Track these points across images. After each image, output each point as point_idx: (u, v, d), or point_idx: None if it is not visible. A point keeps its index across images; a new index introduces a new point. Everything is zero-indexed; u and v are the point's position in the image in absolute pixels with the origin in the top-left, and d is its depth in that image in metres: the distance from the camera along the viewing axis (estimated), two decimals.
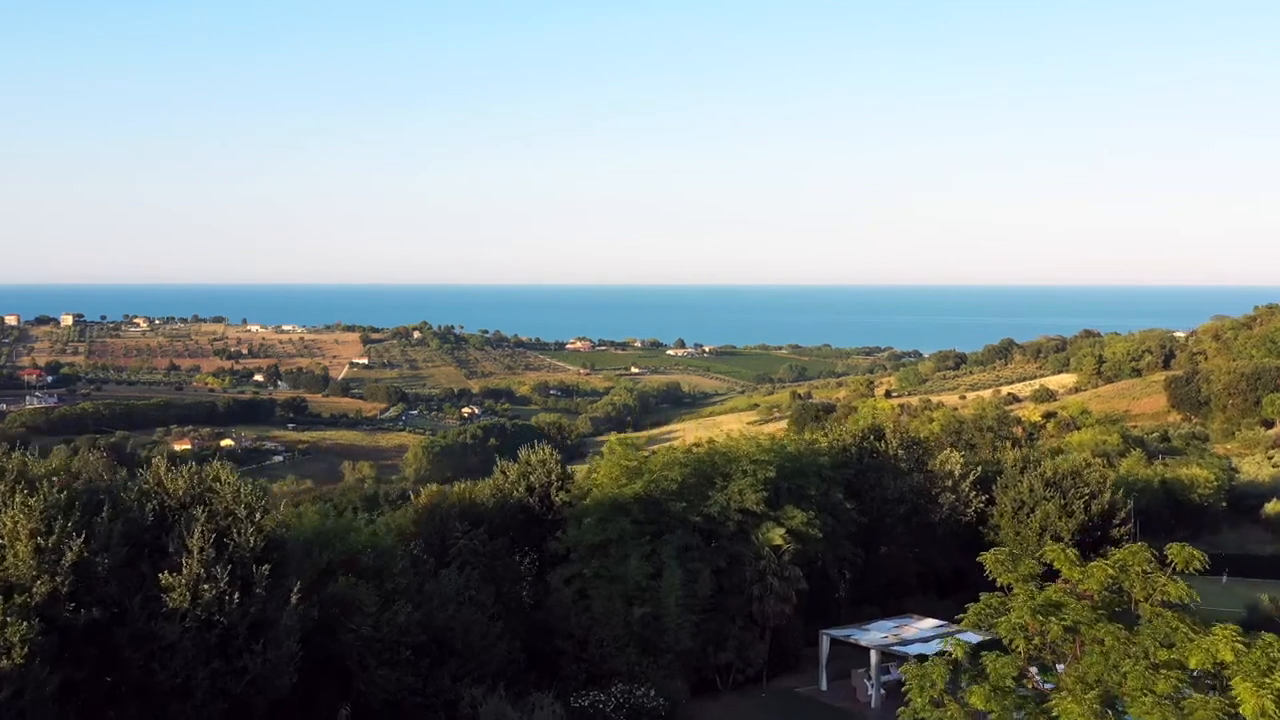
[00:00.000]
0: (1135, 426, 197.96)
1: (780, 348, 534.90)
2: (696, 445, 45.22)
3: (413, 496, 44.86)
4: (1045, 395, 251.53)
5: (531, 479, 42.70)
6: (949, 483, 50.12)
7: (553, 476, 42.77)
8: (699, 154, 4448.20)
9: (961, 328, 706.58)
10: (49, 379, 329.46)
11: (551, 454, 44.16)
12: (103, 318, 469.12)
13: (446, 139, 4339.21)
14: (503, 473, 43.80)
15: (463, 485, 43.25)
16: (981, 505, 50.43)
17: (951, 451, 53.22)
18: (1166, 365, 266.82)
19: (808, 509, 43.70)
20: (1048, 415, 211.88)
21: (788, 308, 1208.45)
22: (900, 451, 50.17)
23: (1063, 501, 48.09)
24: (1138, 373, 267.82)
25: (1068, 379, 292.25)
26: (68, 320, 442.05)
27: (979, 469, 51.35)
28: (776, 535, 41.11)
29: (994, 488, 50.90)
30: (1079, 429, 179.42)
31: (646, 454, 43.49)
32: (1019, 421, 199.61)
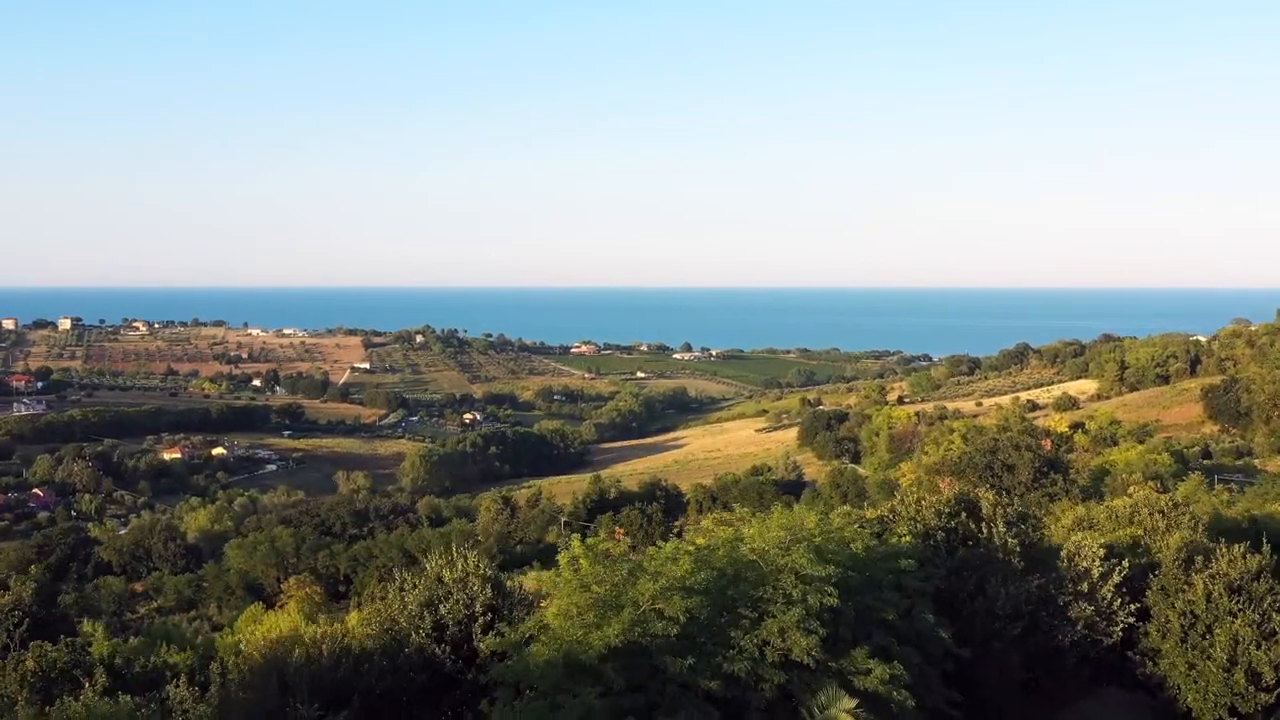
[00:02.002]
0: (1169, 438, 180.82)
1: (788, 351, 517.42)
2: (710, 545, 27.90)
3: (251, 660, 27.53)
4: (1068, 403, 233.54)
5: (442, 611, 25.37)
6: (1083, 586, 32.91)
7: (477, 606, 25.47)
8: (701, 154, 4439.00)
9: (968, 331, 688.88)
10: (39, 385, 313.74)
11: (479, 565, 26.69)
12: (101, 321, 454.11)
13: (448, 139, 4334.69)
14: (399, 593, 26.49)
15: (325, 625, 26.19)
16: (1130, 619, 33.21)
17: (1085, 535, 36.15)
18: (1193, 371, 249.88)
19: (885, 642, 26.84)
20: (1075, 425, 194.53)
21: (791, 309, 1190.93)
22: (1009, 539, 32.94)
23: (1257, 616, 31.09)
24: (1163, 379, 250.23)
25: (1088, 385, 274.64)
26: (66, 324, 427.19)
27: (1124, 565, 33.84)
28: (844, 712, 24.05)
29: (1147, 592, 33.64)
30: (1116, 444, 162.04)
31: (628, 563, 26.30)
32: (1048, 434, 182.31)
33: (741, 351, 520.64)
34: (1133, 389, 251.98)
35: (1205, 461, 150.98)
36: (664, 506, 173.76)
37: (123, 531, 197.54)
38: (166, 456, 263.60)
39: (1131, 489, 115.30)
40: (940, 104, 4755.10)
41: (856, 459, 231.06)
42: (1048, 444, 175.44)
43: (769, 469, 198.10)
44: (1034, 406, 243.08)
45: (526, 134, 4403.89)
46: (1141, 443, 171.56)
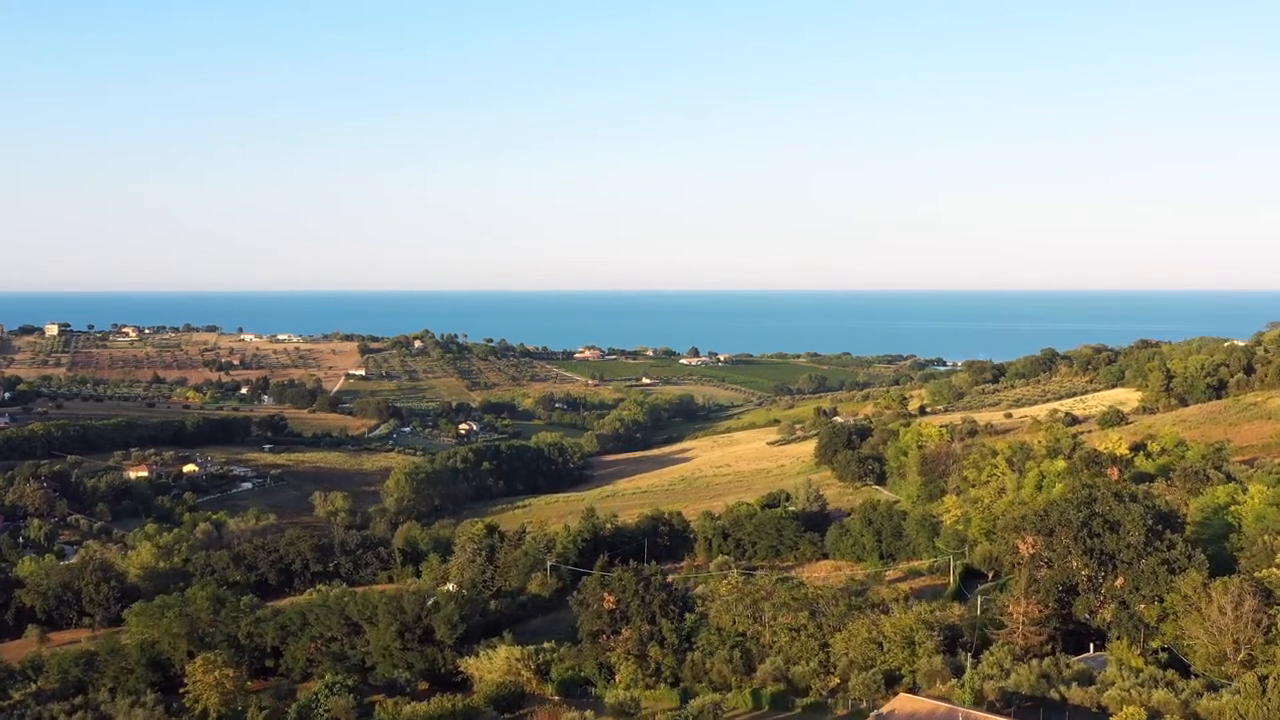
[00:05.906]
0: (1256, 462, 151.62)
1: (798, 356, 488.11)
2: None
3: None
4: (1115, 417, 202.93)
5: None
6: None
7: None
8: (706, 156, 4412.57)
9: (978, 334, 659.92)
10: (6, 395, 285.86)
11: None
12: (90, 327, 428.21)
13: (449, 141, 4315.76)
14: None
15: None
16: None
17: None
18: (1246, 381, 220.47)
19: None
20: (1135, 447, 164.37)
21: (791, 311, 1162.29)
22: None
23: None
24: (1214, 390, 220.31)
25: (1127, 395, 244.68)
26: (53, 330, 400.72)
27: None
28: None
29: None
30: (1207, 478, 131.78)
31: None
32: (1113, 460, 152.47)
33: (751, 356, 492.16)
34: (1181, 400, 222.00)
35: None
36: (667, 544, 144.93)
37: (70, 561, 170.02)
38: (132, 475, 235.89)
39: None
40: (941, 107, 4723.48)
41: (882, 479, 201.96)
42: (1114, 473, 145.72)
43: (787, 496, 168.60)
44: (1073, 420, 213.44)
45: (528, 136, 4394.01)
46: (1220, 469, 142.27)
